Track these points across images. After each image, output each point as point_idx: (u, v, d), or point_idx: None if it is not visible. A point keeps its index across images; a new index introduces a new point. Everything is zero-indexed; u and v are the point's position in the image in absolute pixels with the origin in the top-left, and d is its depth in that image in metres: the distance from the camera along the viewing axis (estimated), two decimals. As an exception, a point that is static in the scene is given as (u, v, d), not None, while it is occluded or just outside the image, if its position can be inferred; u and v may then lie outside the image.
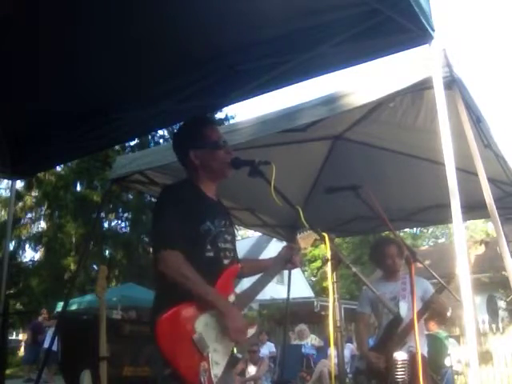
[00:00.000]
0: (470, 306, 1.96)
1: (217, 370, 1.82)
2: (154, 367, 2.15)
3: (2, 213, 16.26)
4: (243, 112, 17.29)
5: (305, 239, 2.22)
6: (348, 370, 7.30)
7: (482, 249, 3.10)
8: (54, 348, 4.93)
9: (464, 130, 2.35)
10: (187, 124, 2.26)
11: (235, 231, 2.22)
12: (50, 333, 11.23)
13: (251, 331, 1.99)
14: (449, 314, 3.28)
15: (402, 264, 3.37)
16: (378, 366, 3.19)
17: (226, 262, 1.99)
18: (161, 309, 1.80)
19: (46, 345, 10.91)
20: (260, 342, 9.58)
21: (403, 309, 3.16)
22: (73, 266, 14.49)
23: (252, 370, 7.98)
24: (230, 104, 3.32)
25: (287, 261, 2.19)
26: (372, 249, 3.80)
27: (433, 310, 3.29)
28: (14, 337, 18.71)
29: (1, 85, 2.77)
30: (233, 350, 1.95)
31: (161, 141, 16.33)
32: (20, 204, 16.38)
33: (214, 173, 2.08)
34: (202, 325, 1.81)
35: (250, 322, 2.00)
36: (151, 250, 1.97)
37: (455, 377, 6.43)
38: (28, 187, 16.39)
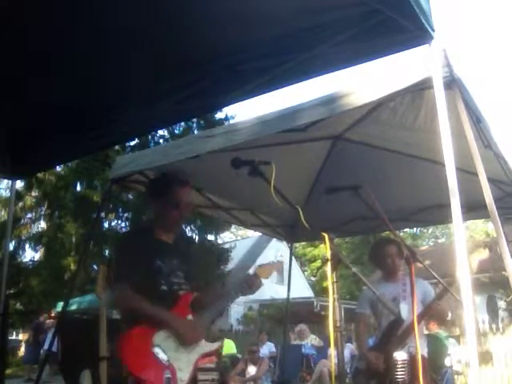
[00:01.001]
0: (470, 306, 1.96)
1: (181, 375, 2.08)
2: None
3: (2, 213, 16.24)
4: (243, 112, 17.30)
5: (264, 270, 2.49)
6: (348, 370, 7.30)
7: (486, 253, 3.10)
8: (54, 348, 4.94)
9: (464, 130, 2.35)
10: (164, 175, 2.57)
11: (192, 263, 2.52)
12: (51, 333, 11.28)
13: (214, 345, 2.31)
14: (449, 317, 3.28)
15: (402, 264, 3.37)
16: (378, 367, 3.18)
17: (180, 293, 2.32)
18: (124, 333, 2.12)
19: (46, 345, 10.94)
20: (260, 342, 9.58)
21: (404, 310, 3.16)
22: (73, 266, 14.46)
23: (252, 370, 7.98)
24: (230, 104, 3.33)
25: (246, 287, 2.42)
26: (372, 249, 3.79)
27: (432, 315, 3.30)
28: (14, 337, 18.71)
29: (1, 85, 2.77)
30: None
31: (161, 141, 16.32)
32: (20, 204, 16.35)
33: (167, 225, 2.41)
34: (161, 338, 2.09)
35: (217, 336, 2.28)
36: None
37: (455, 377, 6.42)
38: (28, 187, 16.37)
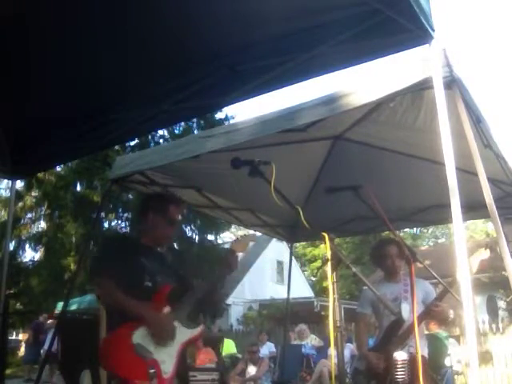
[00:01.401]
0: (470, 306, 1.96)
1: (165, 367, 2.12)
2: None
3: (2, 213, 16.24)
4: (243, 112, 17.29)
5: (239, 244, 2.51)
6: (348, 370, 7.30)
7: (487, 253, 3.10)
8: (54, 348, 4.94)
9: (464, 130, 2.35)
10: (161, 195, 2.84)
11: (174, 273, 2.53)
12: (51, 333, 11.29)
13: (197, 329, 2.33)
14: (450, 318, 3.27)
15: (403, 265, 3.37)
16: (378, 367, 3.18)
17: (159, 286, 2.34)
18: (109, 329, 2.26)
19: (46, 345, 10.96)
20: (260, 342, 9.58)
21: (405, 311, 3.16)
22: (73, 266, 14.46)
23: (252, 369, 7.98)
24: (230, 104, 3.32)
25: (226, 265, 2.46)
26: (373, 250, 3.79)
27: (434, 315, 3.29)
28: (13, 337, 18.70)
29: (1, 85, 2.77)
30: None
31: (161, 141, 16.31)
32: (20, 204, 16.35)
33: (157, 238, 2.50)
34: (140, 336, 2.12)
35: (199, 321, 2.39)
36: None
37: (455, 377, 6.42)
38: (28, 187, 16.37)
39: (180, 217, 2.59)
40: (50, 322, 11.79)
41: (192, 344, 2.51)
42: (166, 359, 2.14)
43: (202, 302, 2.39)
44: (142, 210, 2.56)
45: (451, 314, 3.25)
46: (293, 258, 7.10)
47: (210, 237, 17.45)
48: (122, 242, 2.53)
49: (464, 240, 2.06)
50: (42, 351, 11.01)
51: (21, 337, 18.63)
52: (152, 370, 2.07)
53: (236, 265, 2.47)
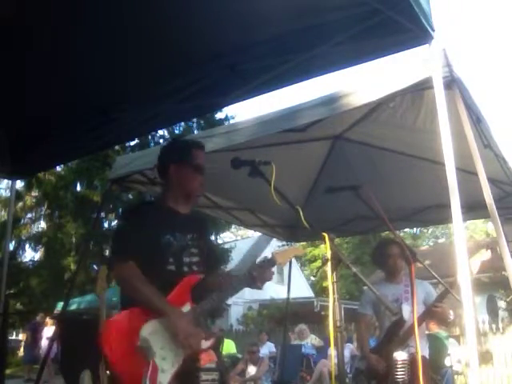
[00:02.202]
0: (470, 306, 1.96)
1: (162, 378, 1.79)
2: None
3: (2, 213, 16.25)
4: (243, 112, 17.29)
5: (282, 255, 2.13)
6: (348, 370, 7.30)
7: (488, 254, 3.09)
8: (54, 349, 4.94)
9: (464, 130, 2.35)
10: (177, 141, 2.34)
11: (206, 241, 2.24)
12: (44, 332, 11.31)
13: (207, 343, 1.95)
14: (451, 318, 3.27)
15: (404, 265, 3.37)
16: (379, 368, 3.18)
17: (186, 275, 2.01)
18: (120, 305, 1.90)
19: (42, 344, 11.01)
20: (260, 342, 9.58)
21: (406, 311, 3.16)
22: (73, 266, 14.46)
23: (252, 369, 7.98)
24: (230, 104, 3.33)
25: (254, 280, 2.02)
26: (374, 250, 3.79)
27: (434, 316, 3.29)
28: (14, 337, 18.70)
29: (1, 85, 2.77)
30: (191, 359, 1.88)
31: (161, 141, 16.29)
32: (20, 204, 16.36)
33: (186, 193, 2.14)
34: (149, 332, 1.81)
35: (208, 334, 1.98)
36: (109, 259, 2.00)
37: (455, 377, 6.42)
38: (28, 187, 16.37)
39: (204, 161, 2.18)
40: (46, 321, 11.82)
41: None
42: (167, 369, 1.81)
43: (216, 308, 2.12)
44: (162, 166, 2.19)
45: (451, 314, 3.25)
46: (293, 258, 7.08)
47: (210, 237, 17.44)
48: (142, 213, 2.08)
49: (464, 240, 2.06)
50: (40, 351, 11.05)
51: (21, 337, 18.64)
52: (146, 374, 1.75)
53: (271, 277, 2.05)
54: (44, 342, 11.15)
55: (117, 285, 1.97)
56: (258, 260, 2.09)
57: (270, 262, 2.05)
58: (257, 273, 1.99)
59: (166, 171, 2.14)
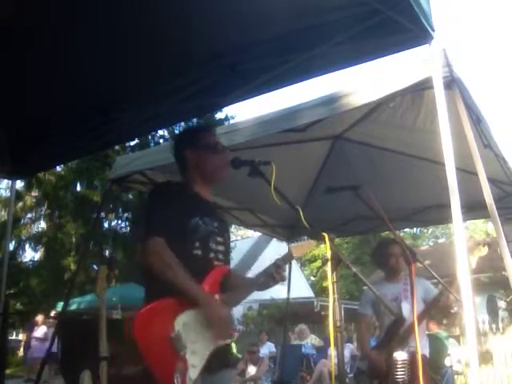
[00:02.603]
0: (470, 306, 1.96)
1: (192, 373, 1.74)
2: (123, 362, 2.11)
3: (2, 213, 16.26)
4: (243, 112, 17.28)
5: (298, 248, 2.12)
6: (348, 370, 7.30)
7: (485, 251, 3.10)
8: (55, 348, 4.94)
9: (464, 130, 2.35)
10: (188, 128, 2.29)
11: (229, 235, 2.17)
12: (35, 332, 11.32)
13: (232, 336, 1.93)
14: (454, 310, 3.26)
15: (404, 265, 3.37)
16: (380, 367, 3.19)
17: (215, 263, 1.95)
18: (146, 304, 1.79)
19: (32, 344, 11.03)
20: (260, 342, 9.58)
21: (406, 310, 3.16)
22: (73, 266, 14.47)
23: (252, 369, 7.98)
24: (230, 104, 3.33)
25: (270, 276, 2.00)
26: (375, 249, 3.79)
27: (437, 309, 3.29)
28: (14, 337, 18.70)
29: (1, 85, 2.77)
30: (224, 351, 1.86)
31: (161, 141, 16.31)
32: (20, 204, 16.37)
33: (207, 175, 2.08)
34: (182, 324, 1.75)
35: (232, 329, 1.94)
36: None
37: (455, 377, 6.42)
38: (28, 187, 16.38)
39: (220, 143, 2.13)
40: (36, 320, 11.82)
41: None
42: (196, 365, 1.76)
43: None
44: (178, 158, 2.14)
45: (454, 305, 3.23)
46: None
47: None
48: (172, 192, 1.99)
49: (464, 240, 2.06)
50: (29, 352, 11.09)
51: (21, 337, 18.63)
52: (179, 368, 1.70)
53: (283, 278, 2.02)
54: (33, 343, 11.16)
55: (145, 268, 1.83)
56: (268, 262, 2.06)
57: (286, 256, 2.04)
58: (274, 270, 1.98)
59: (183, 162, 2.10)
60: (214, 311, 1.78)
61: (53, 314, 12.35)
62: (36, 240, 16.94)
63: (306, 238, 2.12)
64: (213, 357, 1.81)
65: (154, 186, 2.21)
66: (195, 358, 1.76)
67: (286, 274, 2.18)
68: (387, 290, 3.36)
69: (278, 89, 2.84)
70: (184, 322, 1.76)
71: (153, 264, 1.79)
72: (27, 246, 17.02)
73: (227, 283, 1.95)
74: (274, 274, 1.98)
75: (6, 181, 11.47)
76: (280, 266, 2.00)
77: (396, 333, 3.16)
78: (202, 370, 1.77)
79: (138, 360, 1.72)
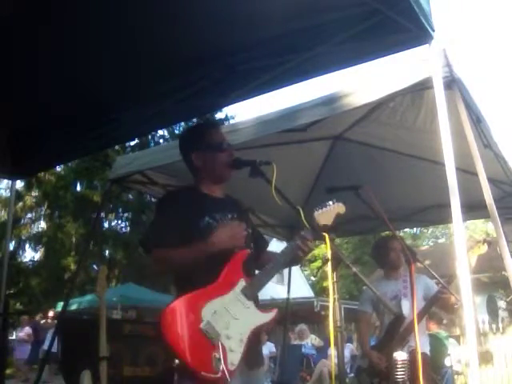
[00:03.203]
0: (470, 306, 1.96)
1: (233, 357, 1.75)
2: (159, 362, 2.12)
3: (2, 213, 16.27)
4: (243, 112, 17.27)
5: (324, 215, 1.97)
6: (348, 370, 7.31)
7: (484, 248, 3.09)
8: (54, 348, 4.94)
9: (464, 130, 2.35)
10: (191, 127, 2.29)
11: (251, 223, 2.19)
12: (21, 333, 11.34)
13: (269, 314, 1.92)
14: (457, 304, 3.24)
15: (404, 262, 3.37)
16: (380, 365, 3.19)
17: (235, 250, 1.95)
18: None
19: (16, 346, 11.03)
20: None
21: (406, 307, 3.16)
22: (73, 266, 14.49)
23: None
24: (230, 104, 3.33)
25: (298, 248, 1.95)
26: (375, 245, 3.79)
27: (439, 306, 3.28)
28: (14, 337, 18.70)
29: (1, 85, 2.77)
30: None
31: (161, 141, 16.34)
32: (20, 204, 16.39)
33: (216, 175, 2.10)
34: (210, 313, 1.77)
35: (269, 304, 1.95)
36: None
37: (455, 377, 6.43)
38: (28, 187, 16.39)
39: (224, 138, 2.14)
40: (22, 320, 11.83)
41: (261, 332, 2.05)
42: (235, 348, 1.77)
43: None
44: (185, 158, 2.16)
45: (457, 301, 3.22)
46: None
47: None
48: (179, 200, 2.04)
49: (464, 240, 2.06)
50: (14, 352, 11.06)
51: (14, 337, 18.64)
52: (218, 357, 1.70)
53: (310, 250, 1.96)
54: (16, 344, 11.16)
55: (161, 271, 1.98)
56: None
57: (313, 226, 1.95)
58: (301, 241, 1.93)
59: (191, 162, 2.12)
60: (224, 232, 1.87)
61: (51, 314, 12.35)
62: (36, 240, 16.96)
63: (331, 203, 1.96)
64: (248, 353, 1.81)
65: (162, 196, 2.28)
66: (231, 342, 1.77)
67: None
68: (387, 287, 3.36)
69: (278, 89, 2.84)
70: (211, 312, 1.78)
71: (163, 267, 1.93)
72: (27, 245, 17.06)
73: (251, 264, 1.98)
74: (301, 245, 1.93)
75: (5, 181, 11.47)
76: (305, 237, 1.94)
77: (396, 331, 3.16)
78: (243, 354, 1.78)
79: (171, 356, 1.72)
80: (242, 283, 1.87)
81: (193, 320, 1.74)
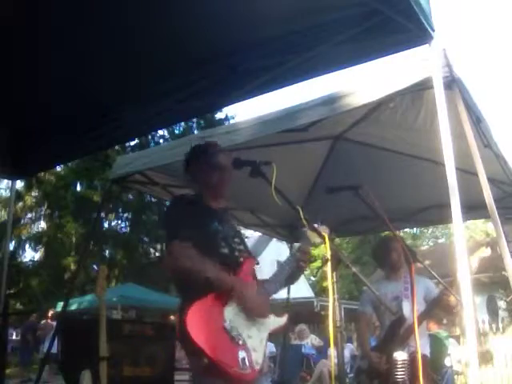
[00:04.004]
0: (470, 306, 1.96)
1: (257, 357, 1.82)
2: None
3: (2, 213, 16.27)
4: (243, 112, 17.26)
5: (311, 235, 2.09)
6: (348, 370, 7.30)
7: (487, 251, 3.09)
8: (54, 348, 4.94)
9: (464, 130, 2.35)
10: (196, 145, 2.40)
11: (243, 238, 2.25)
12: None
13: (283, 319, 2.01)
14: (457, 309, 3.24)
15: (404, 263, 3.37)
16: (380, 366, 3.18)
17: (241, 259, 2.03)
18: (186, 306, 1.80)
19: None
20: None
21: (406, 309, 3.15)
22: (73, 266, 14.49)
23: (252, 369, 7.97)
24: (230, 104, 3.33)
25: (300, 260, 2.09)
26: (376, 246, 3.78)
27: (440, 308, 3.28)
28: (14, 337, 18.70)
29: (1, 85, 2.78)
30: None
31: (161, 141, 16.33)
32: (20, 204, 16.38)
33: (212, 190, 2.17)
34: (232, 313, 1.82)
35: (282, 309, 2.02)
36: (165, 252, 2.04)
37: (455, 377, 6.43)
38: (28, 187, 16.39)
39: (223, 159, 2.19)
40: (43, 321, 11.83)
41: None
42: (258, 348, 1.84)
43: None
44: (187, 167, 2.27)
45: (458, 304, 3.21)
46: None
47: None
48: (187, 205, 2.11)
49: (464, 240, 2.06)
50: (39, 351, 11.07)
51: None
52: (243, 356, 1.76)
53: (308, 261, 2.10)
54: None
55: (174, 271, 1.93)
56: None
57: (312, 227, 2.05)
58: (300, 253, 2.07)
59: (193, 175, 2.23)
60: (248, 293, 1.87)
61: (50, 314, 12.34)
62: (36, 240, 16.95)
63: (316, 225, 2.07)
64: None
65: (173, 199, 2.32)
66: (253, 341, 1.84)
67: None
68: (387, 289, 3.35)
69: (278, 89, 2.84)
70: (233, 312, 1.83)
71: (184, 264, 1.87)
72: (27, 246, 17.04)
73: (255, 273, 2.05)
74: (301, 257, 2.06)
75: (5, 181, 11.47)
76: (304, 250, 2.08)
77: (396, 332, 3.16)
78: (264, 353, 1.86)
79: (199, 356, 1.72)
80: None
81: (217, 319, 1.78)
